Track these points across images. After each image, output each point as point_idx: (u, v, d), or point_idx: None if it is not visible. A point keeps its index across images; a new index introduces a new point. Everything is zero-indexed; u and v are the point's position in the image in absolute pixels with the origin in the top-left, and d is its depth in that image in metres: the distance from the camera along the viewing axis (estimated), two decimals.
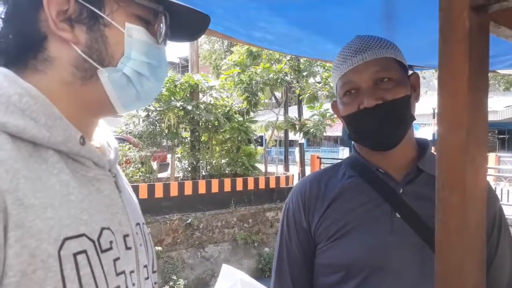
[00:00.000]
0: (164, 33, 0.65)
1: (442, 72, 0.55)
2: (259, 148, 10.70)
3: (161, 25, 0.65)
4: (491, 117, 15.19)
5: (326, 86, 10.07)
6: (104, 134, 0.71)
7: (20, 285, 0.45)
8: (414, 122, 0.98)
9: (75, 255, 0.51)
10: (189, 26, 0.71)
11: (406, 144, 0.97)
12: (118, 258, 0.58)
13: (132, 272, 0.61)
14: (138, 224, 0.69)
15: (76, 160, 0.58)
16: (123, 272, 0.58)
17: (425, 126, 16.36)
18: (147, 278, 0.66)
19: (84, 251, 0.52)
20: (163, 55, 0.67)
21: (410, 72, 1.00)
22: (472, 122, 0.53)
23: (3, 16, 0.59)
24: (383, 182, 0.96)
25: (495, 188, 8.60)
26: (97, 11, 0.58)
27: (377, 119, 0.92)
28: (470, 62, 0.52)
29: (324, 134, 11.04)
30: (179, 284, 6.89)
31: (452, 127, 0.53)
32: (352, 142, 1.05)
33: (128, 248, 0.62)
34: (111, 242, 0.57)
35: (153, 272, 0.72)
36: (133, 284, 0.61)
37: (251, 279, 0.82)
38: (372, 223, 0.93)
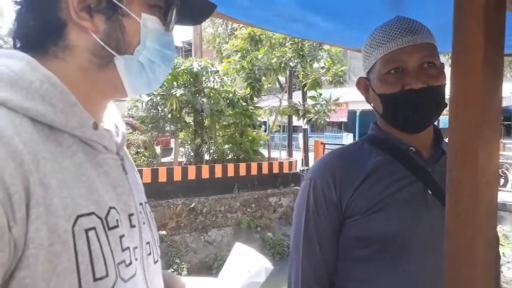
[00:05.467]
0: (173, 21, 0.69)
1: (456, 48, 0.53)
2: (262, 133, 10.69)
3: (172, 13, 0.68)
4: None
5: (330, 71, 9.97)
6: (113, 117, 0.75)
7: (40, 256, 0.50)
8: None
9: (86, 231, 0.55)
10: (195, 10, 0.75)
11: (431, 126, 1.02)
12: (123, 235, 0.62)
13: (135, 248, 0.66)
14: (141, 203, 0.73)
15: (87, 144, 0.62)
16: (128, 248, 0.63)
17: None
18: (149, 254, 0.71)
19: (94, 228, 0.56)
20: (172, 41, 0.71)
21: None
22: (487, 101, 0.51)
23: (19, 0, 0.62)
24: (414, 161, 1.00)
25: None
26: (115, 1, 0.62)
27: (420, 102, 0.94)
28: (485, 38, 0.51)
29: (327, 120, 10.98)
30: (183, 267, 6.97)
31: (466, 105, 0.52)
32: (375, 121, 1.08)
33: (132, 226, 0.66)
34: (117, 220, 0.61)
35: (157, 247, 0.77)
36: (136, 259, 0.65)
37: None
38: (408, 199, 0.96)
